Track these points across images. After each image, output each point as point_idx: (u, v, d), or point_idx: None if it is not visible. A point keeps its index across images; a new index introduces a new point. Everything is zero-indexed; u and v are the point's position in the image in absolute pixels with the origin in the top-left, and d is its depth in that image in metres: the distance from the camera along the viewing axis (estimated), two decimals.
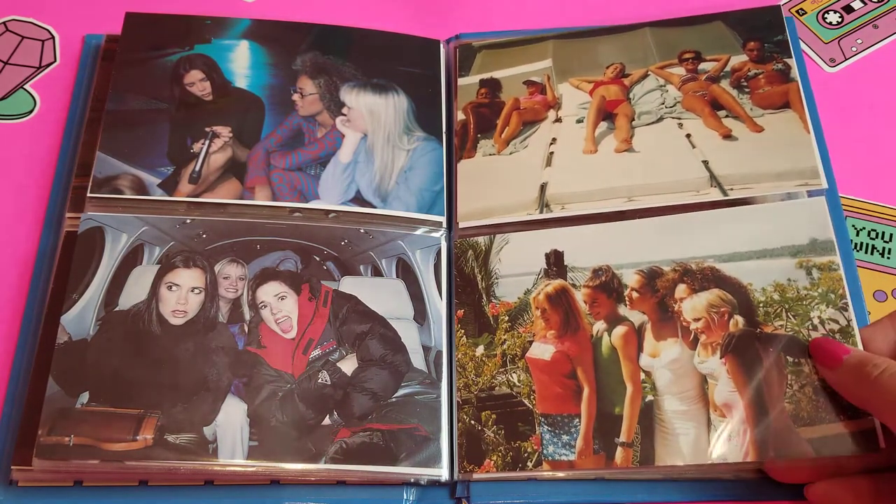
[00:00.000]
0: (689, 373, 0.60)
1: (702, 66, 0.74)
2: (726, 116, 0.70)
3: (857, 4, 0.83)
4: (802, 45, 0.79)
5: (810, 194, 0.65)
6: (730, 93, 0.71)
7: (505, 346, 0.64)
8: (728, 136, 0.69)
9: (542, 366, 0.63)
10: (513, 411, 0.62)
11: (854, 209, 0.72)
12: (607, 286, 0.64)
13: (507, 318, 0.65)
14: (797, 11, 0.83)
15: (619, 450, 0.59)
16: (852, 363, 0.57)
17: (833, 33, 0.81)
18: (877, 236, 0.71)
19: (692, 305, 0.62)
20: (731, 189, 0.66)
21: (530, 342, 0.64)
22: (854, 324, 0.60)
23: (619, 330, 0.62)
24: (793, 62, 0.71)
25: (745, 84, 0.72)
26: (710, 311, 0.61)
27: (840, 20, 0.82)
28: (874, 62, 0.79)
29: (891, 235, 0.71)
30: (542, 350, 0.63)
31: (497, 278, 0.67)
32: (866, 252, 0.71)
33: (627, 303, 0.64)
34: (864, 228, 0.72)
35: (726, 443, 0.58)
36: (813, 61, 0.79)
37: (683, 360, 0.61)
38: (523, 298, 0.65)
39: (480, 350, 0.64)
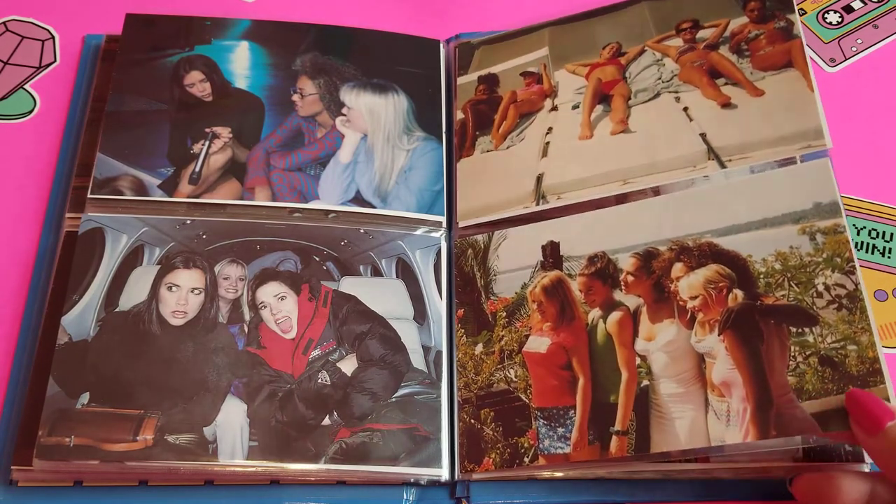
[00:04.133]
0: (685, 354, 0.59)
1: (700, 33, 0.72)
2: (725, 84, 0.69)
3: (857, 4, 0.83)
4: None
5: (811, 157, 0.63)
6: (728, 59, 0.70)
7: (502, 343, 0.64)
8: (727, 104, 0.68)
9: (538, 359, 0.62)
10: (510, 407, 0.62)
11: (854, 209, 0.72)
12: (602, 272, 0.64)
13: (504, 314, 0.65)
14: (797, 11, 0.82)
15: (614, 439, 0.58)
16: None
17: (833, 33, 0.81)
18: (877, 236, 0.71)
19: (688, 283, 0.60)
20: (730, 160, 0.65)
21: (527, 336, 0.64)
22: (862, 287, 0.57)
23: (614, 316, 0.62)
24: (795, 17, 0.69)
25: (745, 48, 0.70)
26: (707, 287, 0.60)
27: (840, 20, 0.82)
28: (874, 62, 0.79)
29: (891, 235, 0.71)
30: (539, 343, 0.63)
31: (495, 275, 0.67)
32: (867, 251, 0.71)
33: (623, 287, 0.63)
34: (864, 228, 0.72)
35: (725, 424, 0.56)
36: (813, 61, 0.79)
37: (680, 341, 0.59)
38: (520, 293, 0.65)
39: (479, 348, 0.64)
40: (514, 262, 0.67)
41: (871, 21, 0.82)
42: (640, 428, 0.58)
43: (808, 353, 0.56)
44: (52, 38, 0.80)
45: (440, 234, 0.69)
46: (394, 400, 0.62)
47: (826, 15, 0.82)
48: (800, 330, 0.57)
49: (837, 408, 0.54)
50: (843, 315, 0.57)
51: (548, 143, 0.71)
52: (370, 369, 0.63)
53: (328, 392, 0.62)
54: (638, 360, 0.60)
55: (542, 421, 0.60)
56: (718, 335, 0.58)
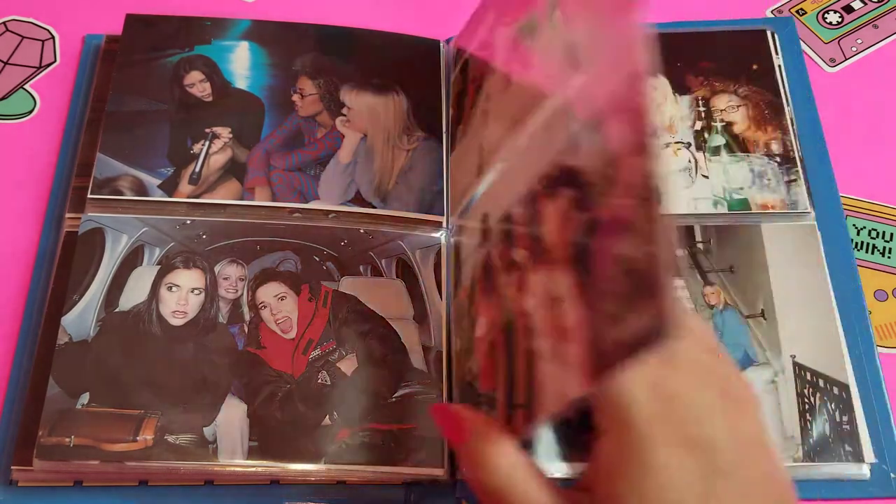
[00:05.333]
0: None
1: None
2: None
3: (857, 4, 0.83)
4: (803, 46, 0.79)
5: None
6: None
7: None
8: None
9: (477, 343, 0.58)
10: (476, 401, 0.58)
11: (854, 209, 0.72)
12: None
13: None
14: (797, 11, 0.83)
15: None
16: (478, 451, 0.44)
17: (833, 33, 0.81)
18: (877, 236, 0.71)
19: None
20: None
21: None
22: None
23: None
24: None
25: None
26: None
27: (840, 20, 0.82)
28: (874, 62, 0.79)
29: (891, 235, 0.71)
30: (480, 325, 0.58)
31: None
32: (867, 251, 0.71)
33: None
34: (864, 228, 0.72)
35: None
36: (813, 61, 0.79)
37: None
38: None
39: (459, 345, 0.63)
40: None
41: (871, 21, 0.82)
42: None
43: None
44: (52, 38, 0.80)
45: (440, 234, 0.69)
46: (394, 400, 0.62)
47: (826, 15, 0.82)
48: None
49: None
50: None
51: None
52: (370, 369, 0.63)
53: (328, 392, 0.62)
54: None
55: (485, 407, 0.55)
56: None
